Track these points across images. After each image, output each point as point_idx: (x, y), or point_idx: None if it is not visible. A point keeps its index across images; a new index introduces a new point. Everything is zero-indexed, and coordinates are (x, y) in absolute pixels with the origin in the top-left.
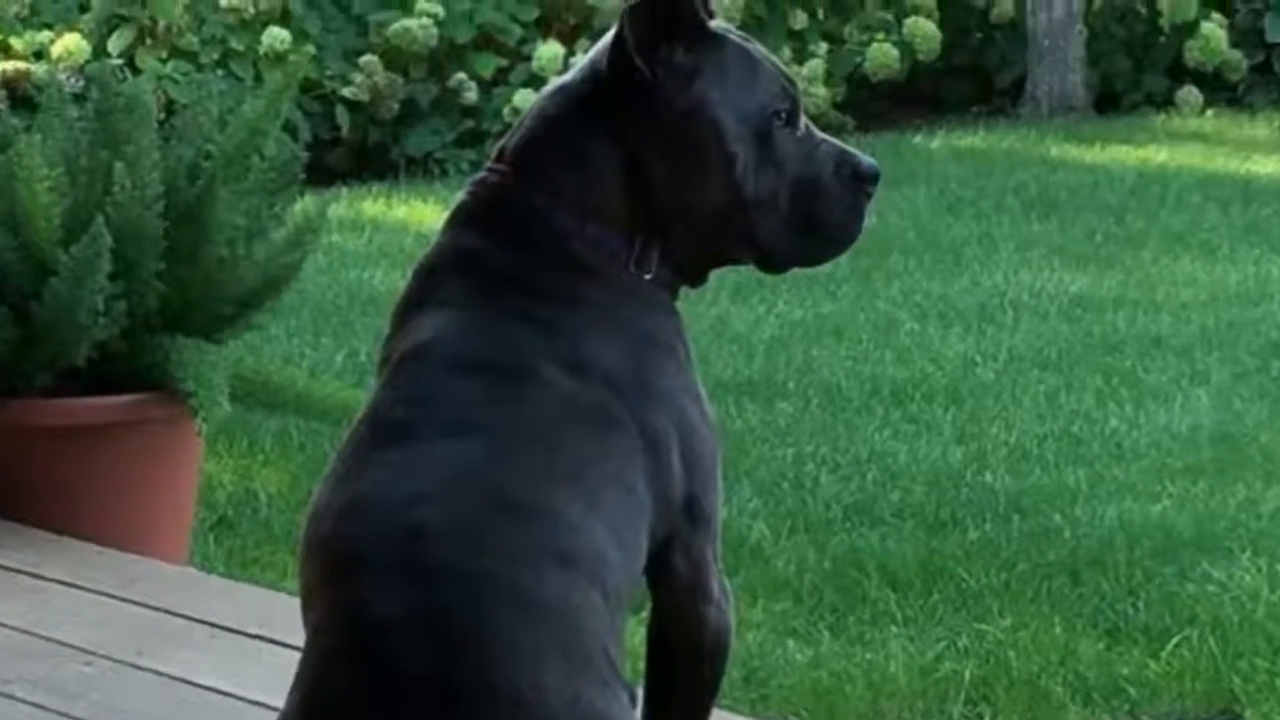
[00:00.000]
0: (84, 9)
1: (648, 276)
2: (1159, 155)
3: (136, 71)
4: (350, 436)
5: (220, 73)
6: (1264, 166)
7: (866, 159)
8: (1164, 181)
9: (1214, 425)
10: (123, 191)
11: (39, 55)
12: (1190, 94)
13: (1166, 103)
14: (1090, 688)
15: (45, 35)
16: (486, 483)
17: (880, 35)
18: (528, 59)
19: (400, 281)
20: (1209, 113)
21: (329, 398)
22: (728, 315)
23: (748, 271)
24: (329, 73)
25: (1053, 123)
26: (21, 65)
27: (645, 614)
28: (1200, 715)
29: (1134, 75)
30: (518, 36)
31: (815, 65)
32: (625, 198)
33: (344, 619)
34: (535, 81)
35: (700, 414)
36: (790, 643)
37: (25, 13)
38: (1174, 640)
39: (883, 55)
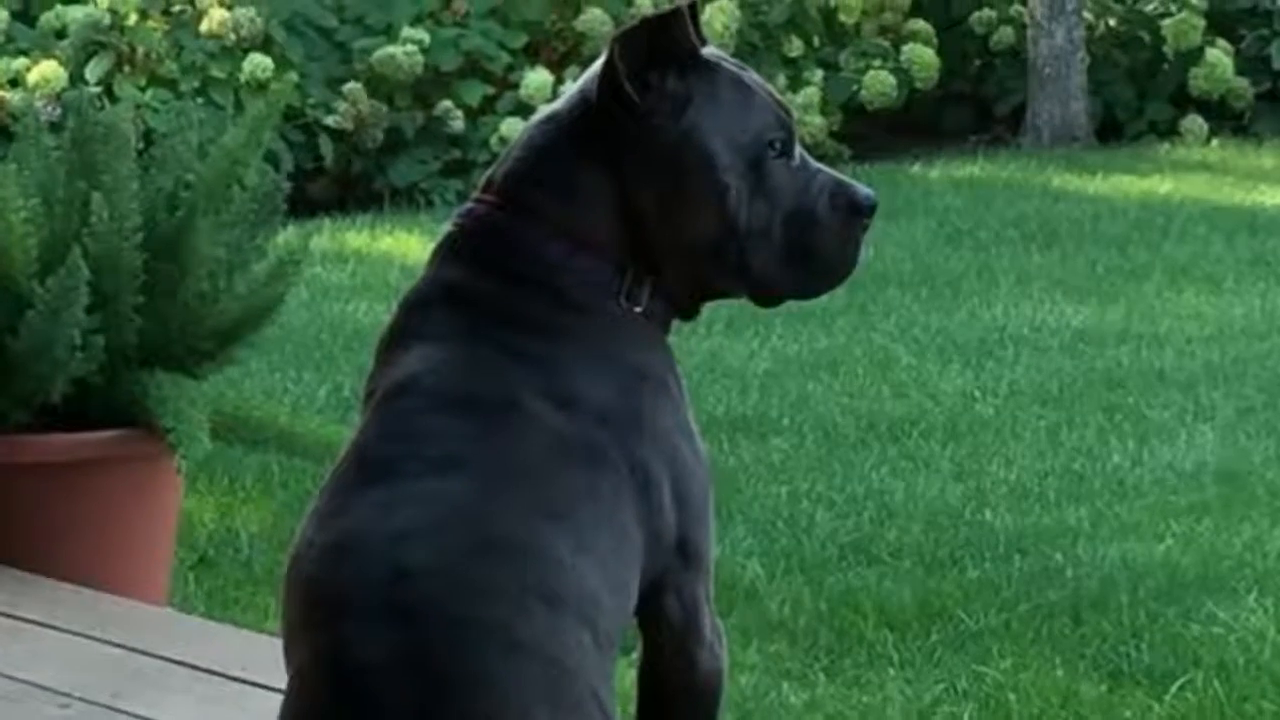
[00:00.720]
0: (61, 35)
1: (638, 310)
2: (1163, 185)
3: (114, 99)
4: (334, 474)
5: (200, 101)
6: (1271, 197)
7: (863, 189)
8: (1168, 212)
9: (1219, 462)
10: (100, 223)
11: (14, 83)
12: (1195, 123)
13: (1170, 132)
14: None
15: (21, 62)
16: (473, 521)
17: (877, 63)
18: (515, 87)
19: (385, 315)
20: (1214, 142)
21: (311, 434)
22: (720, 349)
23: (741, 305)
24: (312, 101)
25: (1054, 152)
26: None
27: (636, 655)
28: None
29: (1137, 103)
30: (505, 64)
31: (811, 93)
32: (615, 229)
33: (326, 662)
34: (523, 110)
35: (692, 451)
36: (785, 685)
37: (0, 40)
38: (1178, 683)
39: (880, 83)
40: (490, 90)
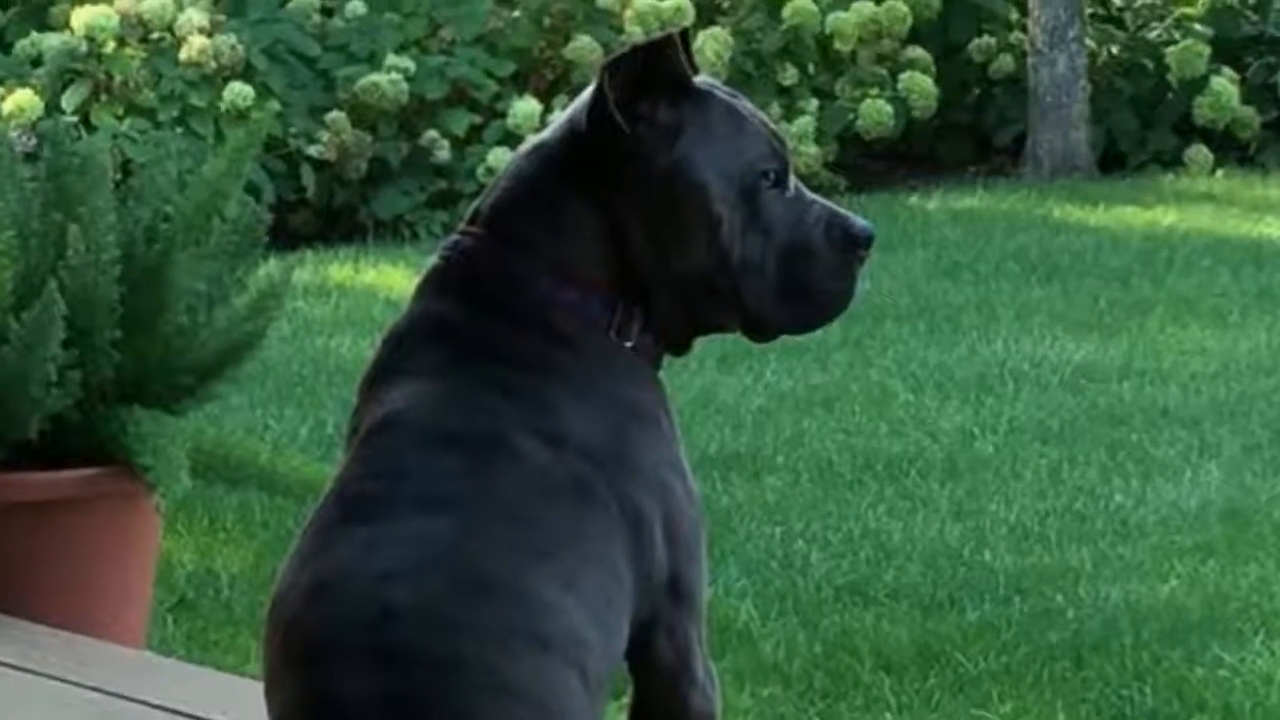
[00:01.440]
0: (36, 63)
1: (629, 344)
2: (1166, 217)
3: (91, 129)
4: (317, 512)
5: (179, 130)
6: (1277, 229)
7: (859, 221)
8: (1172, 245)
9: (1224, 501)
10: (77, 255)
11: None
12: (1199, 153)
13: (1174, 162)
14: None
15: None
16: (459, 561)
17: (874, 91)
18: (503, 116)
19: (369, 350)
20: (1219, 172)
21: (294, 472)
22: (714, 385)
23: (735, 339)
24: (294, 131)
25: (1055, 183)
26: None
27: (626, 699)
28: None
29: (1140, 133)
30: (492, 92)
31: (805, 122)
32: (605, 262)
33: (309, 706)
34: (511, 140)
35: (684, 489)
36: None
37: None
38: None
39: (876, 112)
40: (477, 119)
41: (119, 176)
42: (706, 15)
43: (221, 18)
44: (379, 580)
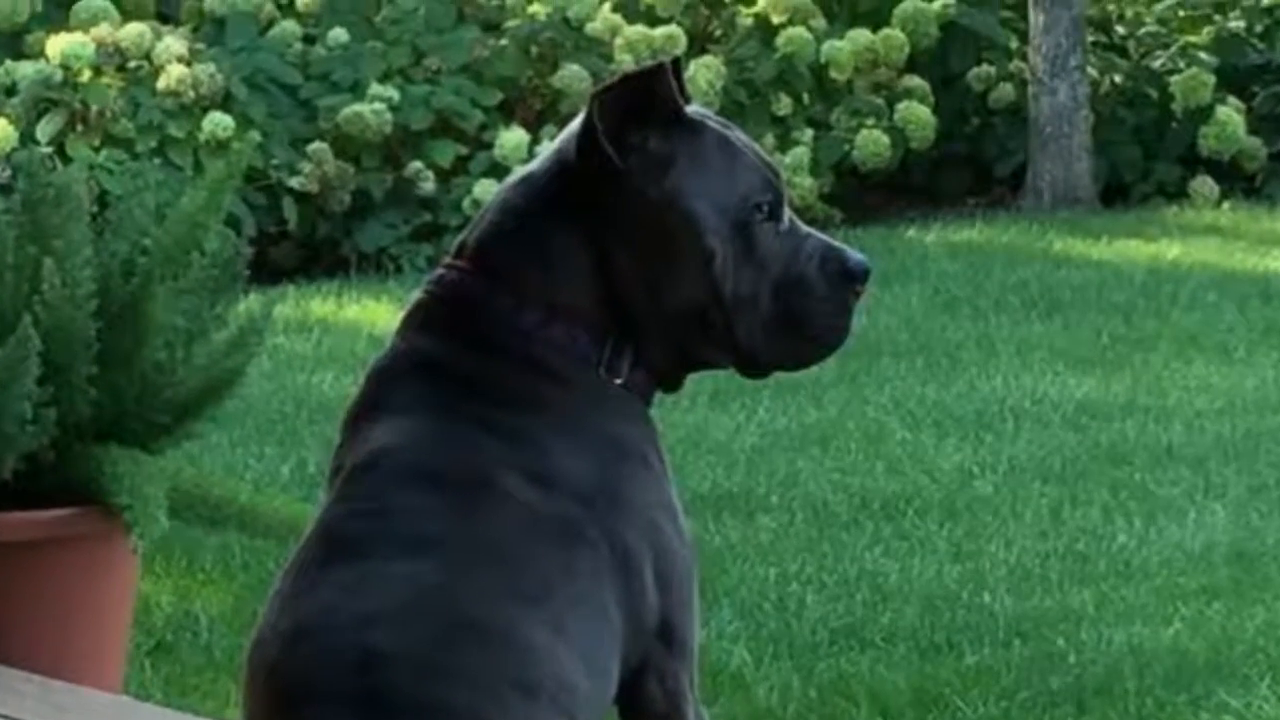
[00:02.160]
0: (10, 93)
1: (619, 381)
2: (1171, 250)
3: (67, 160)
4: (298, 553)
5: (157, 161)
6: None
7: (855, 255)
8: (1176, 279)
9: (1230, 542)
10: (52, 290)
11: None
12: (1205, 184)
13: (1179, 194)
14: None
15: None
16: (444, 604)
17: (870, 121)
18: (489, 146)
19: (352, 386)
20: (1225, 204)
21: (275, 512)
22: (705, 423)
23: (727, 376)
24: (275, 162)
25: (1056, 216)
26: None
27: None
28: None
29: (1144, 164)
30: (478, 122)
31: (800, 153)
32: (594, 296)
33: None
34: (497, 171)
35: (675, 530)
36: None
37: None
38: None
39: (873, 143)
40: (463, 150)
41: (95, 209)
42: (699, 43)
43: (200, 46)
44: (362, 624)
